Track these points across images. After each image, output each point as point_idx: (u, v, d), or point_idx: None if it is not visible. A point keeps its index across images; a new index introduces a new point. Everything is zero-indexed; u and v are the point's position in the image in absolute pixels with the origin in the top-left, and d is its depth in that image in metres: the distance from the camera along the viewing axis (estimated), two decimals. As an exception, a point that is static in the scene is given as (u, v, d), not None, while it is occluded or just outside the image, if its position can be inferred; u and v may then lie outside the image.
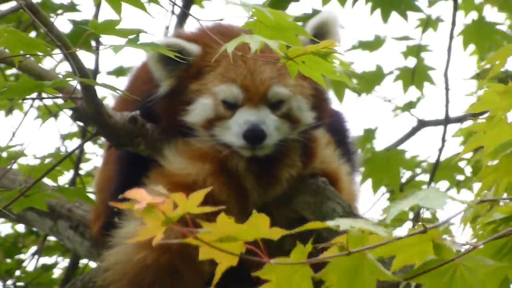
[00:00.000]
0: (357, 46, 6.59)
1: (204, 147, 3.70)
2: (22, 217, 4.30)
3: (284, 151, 3.72)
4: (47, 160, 5.33)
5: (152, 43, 3.44)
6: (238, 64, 3.70)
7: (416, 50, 6.39)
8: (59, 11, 4.94)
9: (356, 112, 7.05)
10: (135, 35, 3.25)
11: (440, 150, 5.45)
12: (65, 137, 6.25)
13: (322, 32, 3.69)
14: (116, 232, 3.69)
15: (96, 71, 5.84)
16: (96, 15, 5.35)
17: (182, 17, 5.86)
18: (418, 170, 6.60)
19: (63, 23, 7.25)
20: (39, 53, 3.26)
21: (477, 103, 2.59)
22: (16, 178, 4.29)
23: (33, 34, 5.83)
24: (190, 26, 4.11)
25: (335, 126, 3.93)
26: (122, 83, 6.79)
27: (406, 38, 6.44)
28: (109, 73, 6.58)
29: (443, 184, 6.37)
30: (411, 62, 6.46)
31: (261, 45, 3.04)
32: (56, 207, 4.27)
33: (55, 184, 4.01)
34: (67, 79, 3.28)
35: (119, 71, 6.60)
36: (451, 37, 5.27)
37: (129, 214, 3.70)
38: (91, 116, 3.62)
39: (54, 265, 6.64)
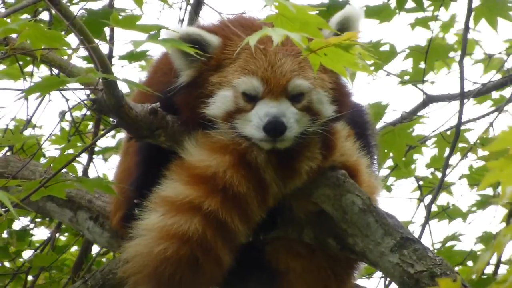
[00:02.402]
0: (364, 13, 6.45)
1: (224, 139, 3.69)
2: (42, 208, 4.31)
3: (304, 144, 3.71)
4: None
5: (172, 39, 3.43)
6: (259, 56, 3.69)
7: (423, 21, 6.31)
8: (75, 0, 4.93)
9: (365, 87, 7.03)
10: (156, 31, 3.26)
11: (458, 125, 5.43)
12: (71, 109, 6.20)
13: (344, 28, 3.68)
14: (136, 224, 3.69)
15: (110, 57, 5.82)
16: (110, 5, 5.32)
17: (196, 8, 5.81)
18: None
19: (75, 11, 7.22)
20: (64, 48, 3.27)
21: (495, 141, 2.55)
22: (36, 169, 4.30)
23: (45, 15, 5.81)
24: (205, 19, 4.07)
25: (355, 119, 3.92)
26: (135, 67, 6.74)
27: (417, 9, 6.35)
28: (122, 57, 6.51)
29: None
30: (419, 33, 6.30)
31: (283, 38, 3.03)
32: (76, 198, 4.27)
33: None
34: (90, 74, 3.28)
35: (132, 56, 6.53)
36: (467, 26, 5.23)
37: (149, 206, 3.70)
38: (111, 108, 3.61)
39: (65, 246, 6.67)
